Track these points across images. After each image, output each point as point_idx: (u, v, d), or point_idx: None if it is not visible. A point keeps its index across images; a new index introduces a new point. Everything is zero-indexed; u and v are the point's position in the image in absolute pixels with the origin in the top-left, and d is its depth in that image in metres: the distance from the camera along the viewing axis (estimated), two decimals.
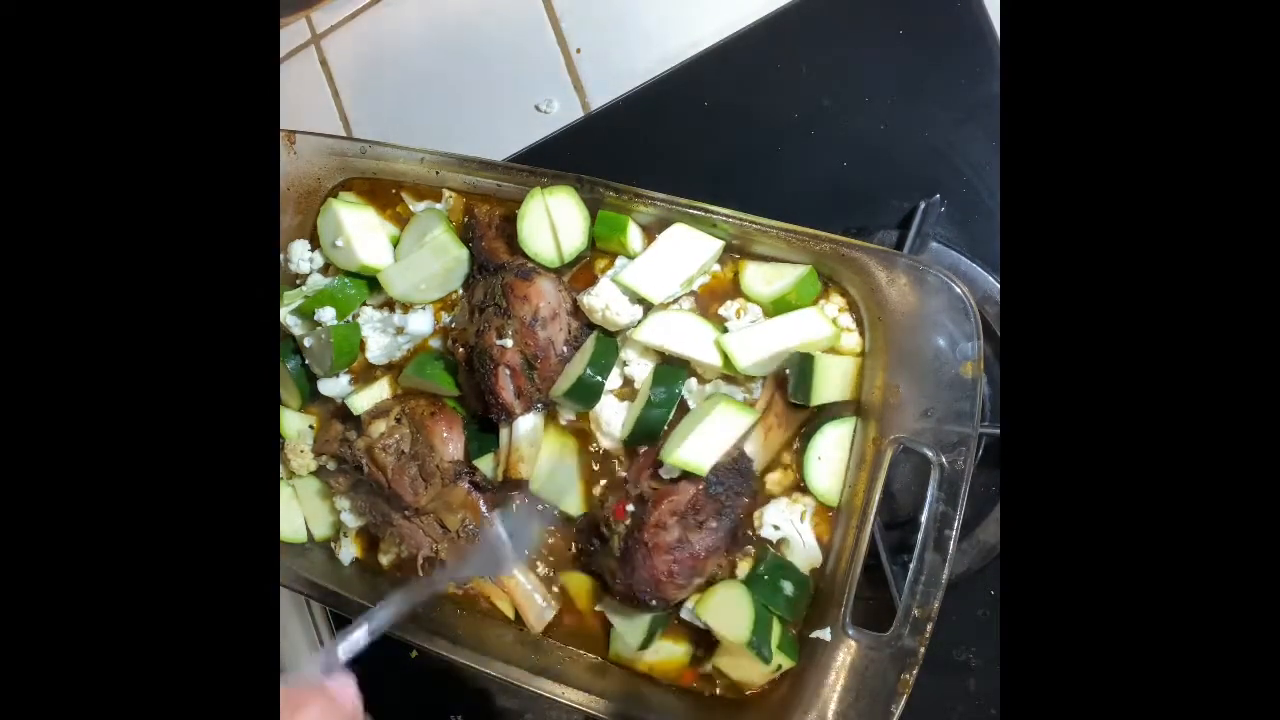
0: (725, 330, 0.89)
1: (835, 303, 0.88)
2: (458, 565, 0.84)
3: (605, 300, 0.88)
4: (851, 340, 0.88)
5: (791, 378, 0.85)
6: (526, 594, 0.94)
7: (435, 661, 0.94)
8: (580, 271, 0.96)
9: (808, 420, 0.89)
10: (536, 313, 0.88)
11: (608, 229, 0.90)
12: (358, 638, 0.75)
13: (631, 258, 0.91)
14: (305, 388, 1.03)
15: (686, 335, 0.88)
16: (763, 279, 0.89)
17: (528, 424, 0.92)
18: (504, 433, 0.93)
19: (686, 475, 0.84)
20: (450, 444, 0.95)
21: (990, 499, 0.91)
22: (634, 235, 0.91)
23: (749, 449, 0.86)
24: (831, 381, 0.85)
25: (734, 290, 0.91)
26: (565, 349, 0.91)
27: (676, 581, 0.83)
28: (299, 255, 1.02)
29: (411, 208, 1.01)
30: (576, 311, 0.92)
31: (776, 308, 0.88)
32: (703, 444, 0.82)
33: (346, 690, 0.68)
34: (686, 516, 0.83)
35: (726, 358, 0.86)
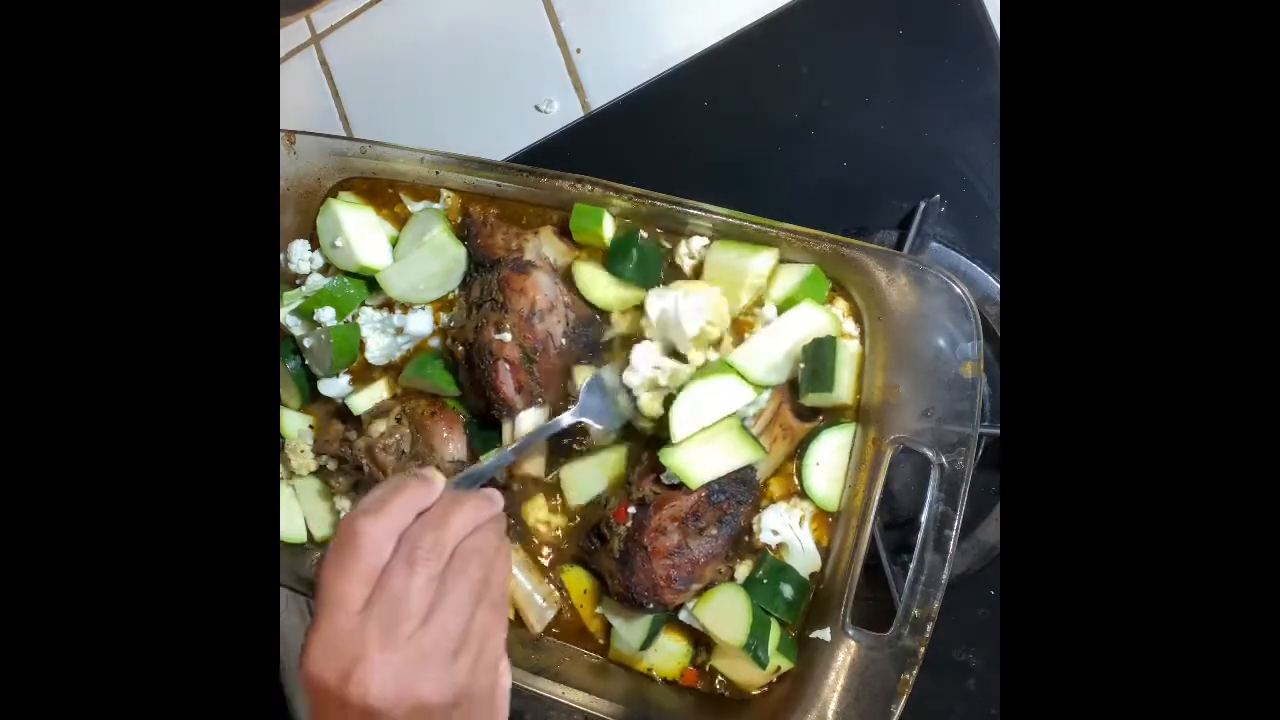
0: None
1: (839, 307, 0.88)
2: (570, 411, 0.87)
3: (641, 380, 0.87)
4: (853, 347, 0.87)
5: (806, 373, 0.83)
6: (526, 594, 0.94)
7: None
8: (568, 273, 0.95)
9: (812, 429, 0.88)
10: (534, 305, 0.89)
11: (585, 220, 0.90)
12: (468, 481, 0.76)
13: (607, 249, 0.92)
14: (305, 388, 1.03)
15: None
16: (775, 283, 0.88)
17: (530, 419, 0.92)
18: (506, 428, 0.93)
19: None
20: (450, 444, 0.95)
21: (990, 499, 0.91)
22: (608, 226, 0.91)
23: None
24: (849, 370, 0.84)
25: None
26: (564, 341, 0.91)
27: (674, 586, 0.82)
28: (298, 255, 1.02)
29: (410, 207, 1.01)
30: (573, 303, 0.92)
31: (784, 309, 0.87)
32: (702, 459, 0.81)
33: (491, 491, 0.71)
34: (687, 522, 0.83)
35: (741, 375, 0.84)
